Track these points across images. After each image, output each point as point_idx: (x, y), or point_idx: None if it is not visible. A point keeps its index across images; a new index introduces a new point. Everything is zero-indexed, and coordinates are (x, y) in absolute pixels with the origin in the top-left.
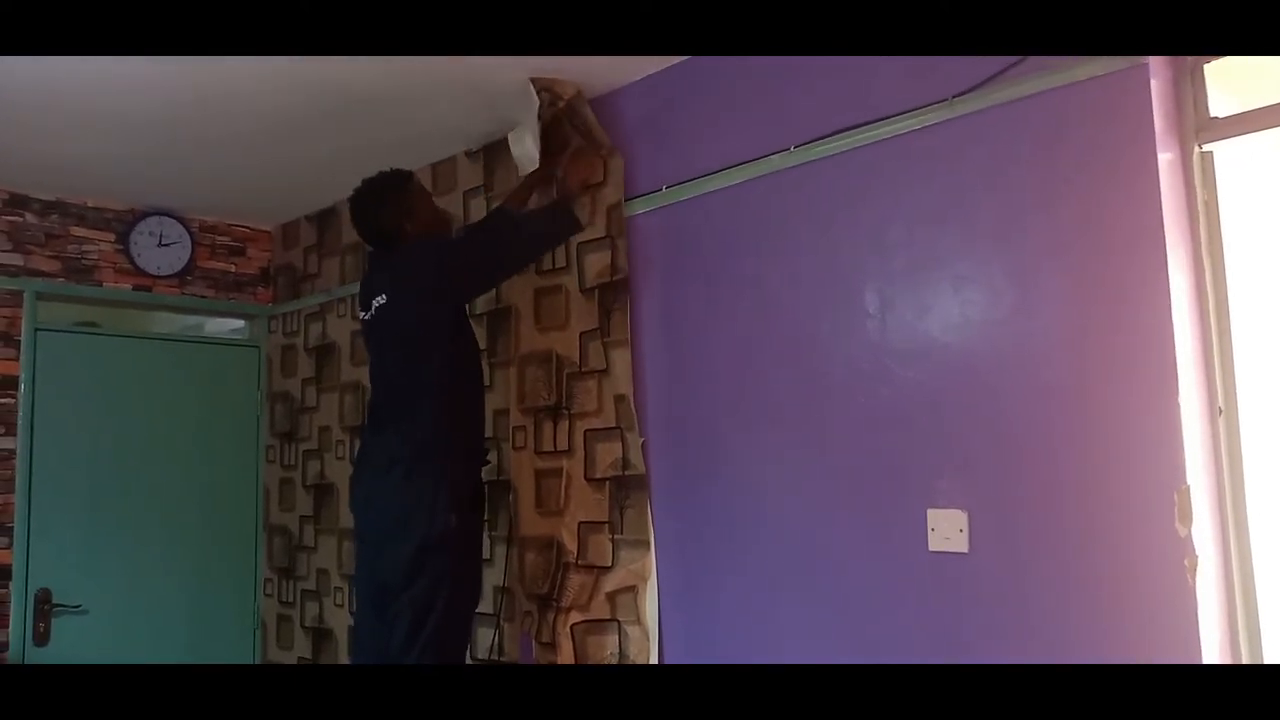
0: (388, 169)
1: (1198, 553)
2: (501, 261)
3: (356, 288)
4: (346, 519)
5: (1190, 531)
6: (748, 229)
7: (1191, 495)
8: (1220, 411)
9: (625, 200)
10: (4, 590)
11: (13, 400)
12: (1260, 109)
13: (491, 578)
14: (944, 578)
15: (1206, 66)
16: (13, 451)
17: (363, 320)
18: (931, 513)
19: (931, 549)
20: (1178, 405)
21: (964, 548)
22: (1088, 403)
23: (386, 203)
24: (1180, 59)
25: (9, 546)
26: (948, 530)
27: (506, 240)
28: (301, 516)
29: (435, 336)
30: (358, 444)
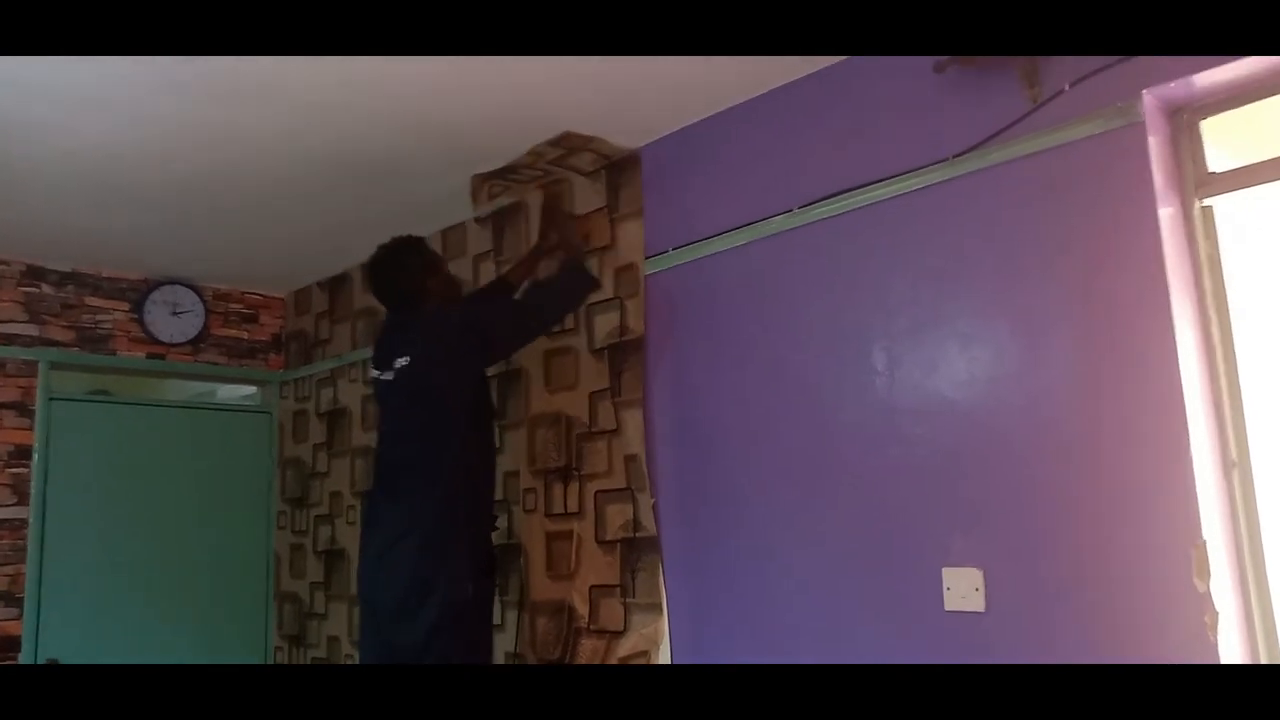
0: (401, 235)
1: (1218, 608)
2: (529, 324)
3: (368, 352)
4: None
5: (1209, 587)
6: (754, 289)
7: (1209, 550)
8: (1233, 464)
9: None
10: (12, 660)
11: (26, 470)
12: (1257, 164)
13: (503, 643)
14: (961, 637)
15: (1203, 123)
16: (25, 521)
17: (377, 380)
18: (947, 571)
19: (948, 608)
20: (1190, 458)
21: (981, 606)
22: (1099, 458)
23: (407, 264)
24: (1176, 117)
25: (18, 617)
26: (964, 589)
27: (533, 304)
28: (312, 583)
29: (461, 398)
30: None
